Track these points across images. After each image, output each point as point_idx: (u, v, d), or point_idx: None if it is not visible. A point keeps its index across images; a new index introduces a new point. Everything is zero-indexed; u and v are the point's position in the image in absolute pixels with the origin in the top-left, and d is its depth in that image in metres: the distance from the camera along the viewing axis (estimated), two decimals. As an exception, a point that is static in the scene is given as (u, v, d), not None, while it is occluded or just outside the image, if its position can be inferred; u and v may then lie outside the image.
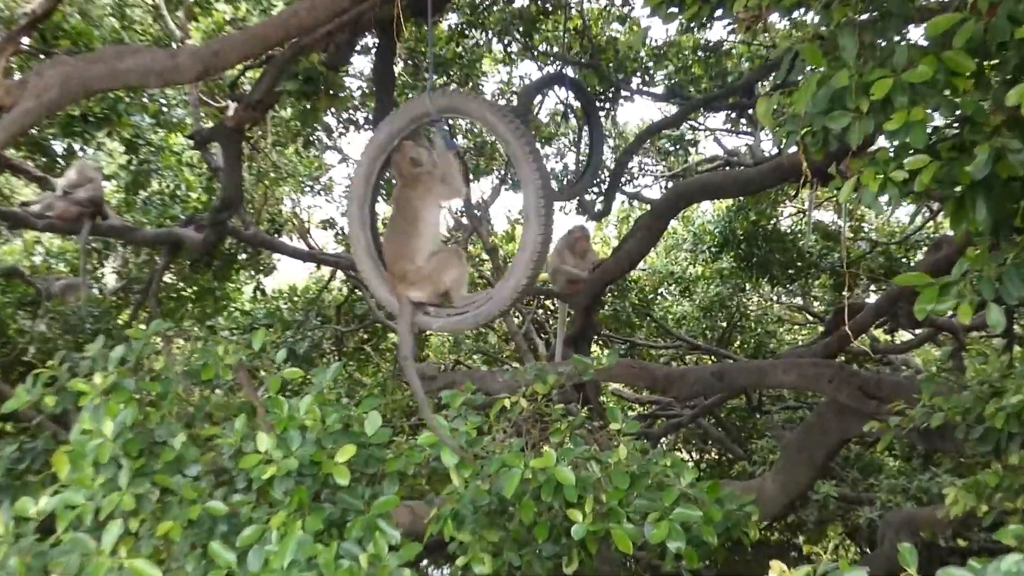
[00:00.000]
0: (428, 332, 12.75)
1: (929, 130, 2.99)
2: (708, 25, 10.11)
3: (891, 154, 3.11)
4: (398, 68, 10.17)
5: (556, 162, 13.12)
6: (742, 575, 7.94)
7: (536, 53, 10.61)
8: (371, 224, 4.50)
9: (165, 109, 10.90)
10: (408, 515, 5.19)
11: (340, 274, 12.98)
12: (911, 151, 3.05)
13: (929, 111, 2.97)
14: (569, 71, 9.13)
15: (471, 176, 12.16)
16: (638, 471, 3.88)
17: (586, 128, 8.12)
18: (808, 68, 3.30)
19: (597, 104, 9.26)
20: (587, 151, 8.07)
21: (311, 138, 11.74)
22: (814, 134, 3.29)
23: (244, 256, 12.17)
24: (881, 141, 3.28)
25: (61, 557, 3.08)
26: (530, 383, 4.51)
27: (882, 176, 3.08)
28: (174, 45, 9.53)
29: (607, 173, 11.99)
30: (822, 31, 3.31)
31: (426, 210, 4.42)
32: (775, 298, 15.69)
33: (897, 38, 3.31)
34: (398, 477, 3.78)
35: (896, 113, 2.94)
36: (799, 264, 12.23)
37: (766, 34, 8.72)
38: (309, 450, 3.49)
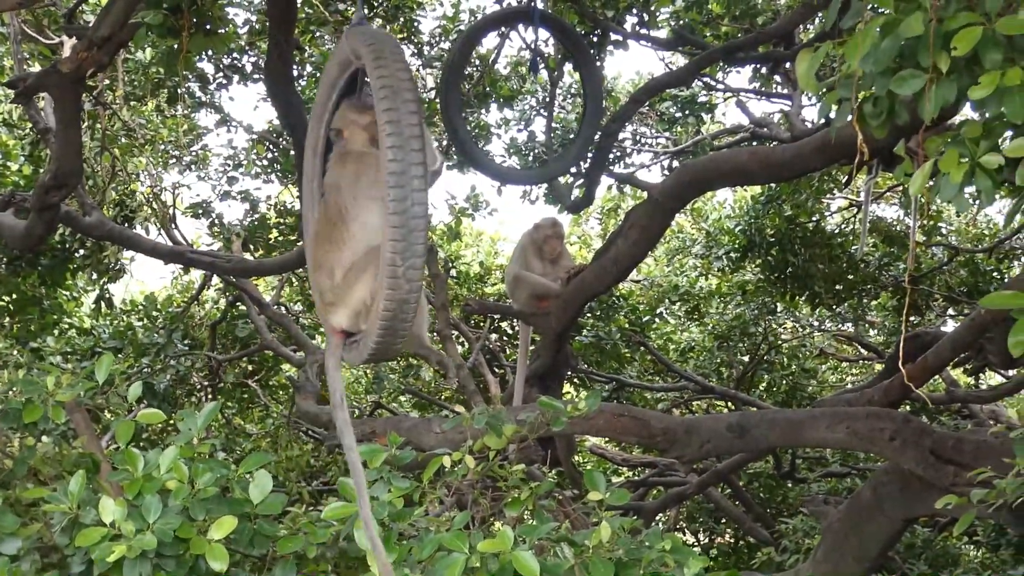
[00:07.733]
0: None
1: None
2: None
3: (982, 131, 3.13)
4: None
5: (519, 131, 13.17)
6: None
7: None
8: None
9: (-30, 45, 10.78)
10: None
11: (216, 280, 12.87)
12: (1011, 128, 3.07)
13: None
14: (539, 3, 9.14)
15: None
16: (626, 558, 3.88)
17: (560, 83, 8.13)
18: (869, 9, 3.33)
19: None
20: (580, 113, 8.01)
21: (179, 91, 11.63)
22: (875, 101, 3.32)
23: (83, 253, 11.95)
24: (967, 112, 3.31)
25: None
26: (479, 435, 4.50)
27: (968, 161, 3.11)
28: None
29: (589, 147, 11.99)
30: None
31: (355, 201, 4.31)
32: (816, 324, 15.82)
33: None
34: (295, 561, 3.76)
35: (986, 75, 2.98)
36: (850, 278, 12.32)
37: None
38: (173, 522, 3.46)
